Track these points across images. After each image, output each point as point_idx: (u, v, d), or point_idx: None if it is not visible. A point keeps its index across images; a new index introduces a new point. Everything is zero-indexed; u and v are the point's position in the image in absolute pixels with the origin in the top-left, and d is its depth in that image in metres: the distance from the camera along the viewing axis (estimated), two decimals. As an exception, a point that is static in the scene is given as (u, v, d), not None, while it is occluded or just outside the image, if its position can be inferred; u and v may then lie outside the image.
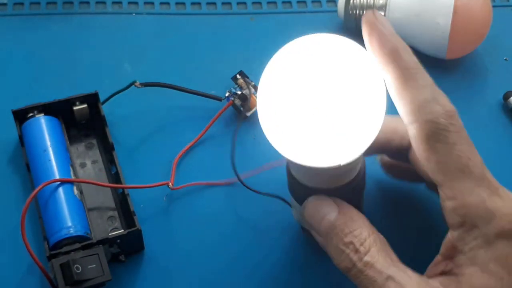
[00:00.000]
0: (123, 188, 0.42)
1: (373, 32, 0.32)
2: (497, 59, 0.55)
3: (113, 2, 0.56)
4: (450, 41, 0.50)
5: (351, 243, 0.33)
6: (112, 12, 0.56)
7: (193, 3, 0.57)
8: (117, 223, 0.42)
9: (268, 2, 0.57)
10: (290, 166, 0.37)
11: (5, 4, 0.55)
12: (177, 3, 0.57)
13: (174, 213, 0.44)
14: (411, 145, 0.34)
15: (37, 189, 0.39)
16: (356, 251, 0.33)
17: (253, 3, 0.57)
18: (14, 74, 0.51)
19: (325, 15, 0.57)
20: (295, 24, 0.51)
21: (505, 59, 0.55)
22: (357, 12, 0.53)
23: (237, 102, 0.48)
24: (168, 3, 0.57)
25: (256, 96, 0.46)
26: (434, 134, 0.32)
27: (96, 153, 0.46)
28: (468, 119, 0.51)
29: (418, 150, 0.33)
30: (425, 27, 0.51)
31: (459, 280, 0.33)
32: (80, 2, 0.56)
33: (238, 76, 0.49)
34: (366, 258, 0.33)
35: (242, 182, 0.41)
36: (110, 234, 0.40)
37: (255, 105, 0.48)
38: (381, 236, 0.34)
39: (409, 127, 0.33)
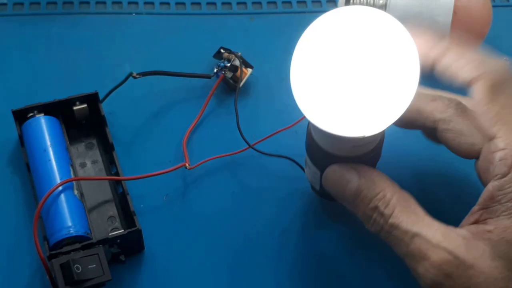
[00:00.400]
0: (124, 182, 0.42)
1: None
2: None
3: (113, 2, 0.56)
4: (450, 41, 0.50)
5: (376, 207, 0.35)
6: (112, 12, 0.56)
7: (193, 3, 0.57)
8: (117, 223, 0.42)
9: (268, 2, 0.57)
10: (313, 130, 0.38)
11: (5, 4, 0.55)
12: (177, 3, 0.57)
13: (175, 213, 0.44)
14: (435, 125, 0.37)
15: (51, 189, 0.39)
16: (382, 214, 0.35)
17: (253, 3, 0.57)
18: (14, 74, 0.51)
19: (325, 15, 0.57)
20: (295, 24, 0.51)
21: (505, 59, 0.55)
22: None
23: (228, 74, 0.48)
24: (168, 3, 0.57)
25: (242, 67, 0.48)
26: (497, 85, 0.34)
27: (96, 153, 0.46)
28: (468, 119, 0.51)
29: (480, 104, 0.35)
30: (425, 27, 0.51)
31: (489, 229, 0.33)
32: (80, 2, 0.56)
33: (222, 50, 0.50)
34: (391, 220, 0.34)
35: (253, 148, 0.45)
36: (110, 234, 0.40)
37: (245, 75, 0.49)
38: (404, 192, 0.36)
39: (472, 84, 0.35)
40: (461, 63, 0.36)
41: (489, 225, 0.34)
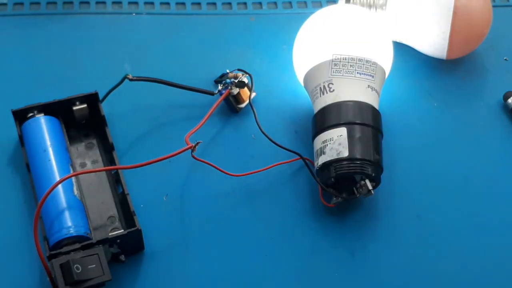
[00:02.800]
0: (124, 182, 0.42)
1: None
2: (497, 59, 0.55)
3: (113, 2, 0.56)
4: (450, 41, 0.50)
5: None
6: (112, 12, 0.56)
7: (193, 3, 0.57)
8: (117, 223, 0.42)
9: (268, 2, 0.57)
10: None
11: (5, 4, 0.55)
12: (177, 3, 0.57)
13: (175, 213, 0.44)
14: None
15: (51, 188, 0.39)
16: None
17: (253, 3, 0.57)
18: (14, 74, 0.51)
19: (325, 15, 0.57)
20: (295, 24, 0.51)
21: (505, 59, 0.55)
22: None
23: (234, 91, 0.48)
24: (168, 3, 0.57)
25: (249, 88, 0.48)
26: None
27: (96, 153, 0.46)
28: (468, 119, 0.51)
29: None
30: (425, 27, 0.51)
31: None
32: (80, 2, 0.56)
33: (227, 71, 0.49)
34: None
35: (263, 133, 0.45)
36: (110, 234, 0.40)
37: (247, 96, 0.49)
38: None
39: None
40: None
41: None
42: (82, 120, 0.46)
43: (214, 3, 0.57)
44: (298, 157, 0.45)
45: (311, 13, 0.49)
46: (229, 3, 0.57)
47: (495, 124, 0.51)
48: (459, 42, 0.51)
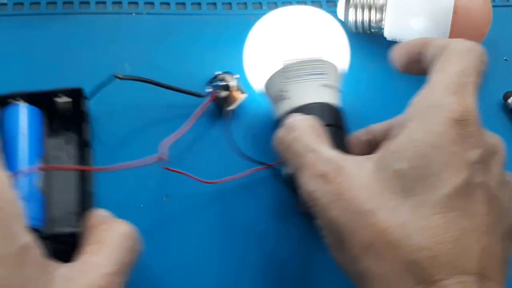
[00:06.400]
0: (92, 180, 0.42)
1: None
2: (497, 59, 0.55)
3: (113, 2, 0.56)
4: (450, 41, 0.50)
5: (289, 123, 0.39)
6: (112, 12, 0.56)
7: (193, 3, 0.57)
8: (75, 222, 0.41)
9: (268, 2, 0.58)
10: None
11: (5, 4, 0.55)
12: (177, 3, 0.57)
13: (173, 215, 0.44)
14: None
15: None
16: (291, 129, 0.38)
17: (253, 3, 0.57)
18: (14, 74, 0.50)
19: (325, 15, 0.57)
20: (295, 24, 0.51)
21: (505, 59, 0.55)
22: (357, 12, 0.54)
23: (222, 94, 0.48)
24: (168, 3, 0.57)
25: (239, 90, 0.48)
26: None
27: (74, 148, 0.45)
28: (468, 119, 0.51)
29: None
30: (425, 27, 0.51)
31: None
32: (80, 2, 0.56)
33: (217, 72, 0.49)
34: (297, 134, 0.38)
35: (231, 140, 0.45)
36: (56, 229, 0.40)
37: (238, 99, 0.48)
38: (323, 130, 0.39)
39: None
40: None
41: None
42: (66, 114, 0.45)
43: (214, 3, 0.57)
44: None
45: (311, 13, 0.49)
46: (229, 3, 0.57)
47: (495, 124, 0.51)
48: (459, 42, 0.51)
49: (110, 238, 0.35)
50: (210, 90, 0.48)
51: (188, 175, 0.43)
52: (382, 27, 0.53)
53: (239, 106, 0.49)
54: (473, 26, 0.51)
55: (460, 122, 0.33)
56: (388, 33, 0.54)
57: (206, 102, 0.47)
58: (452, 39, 0.38)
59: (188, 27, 0.55)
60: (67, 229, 0.40)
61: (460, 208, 0.31)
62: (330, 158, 0.35)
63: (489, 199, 0.33)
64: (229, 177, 0.44)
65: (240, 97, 0.48)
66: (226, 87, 0.48)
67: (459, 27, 0.50)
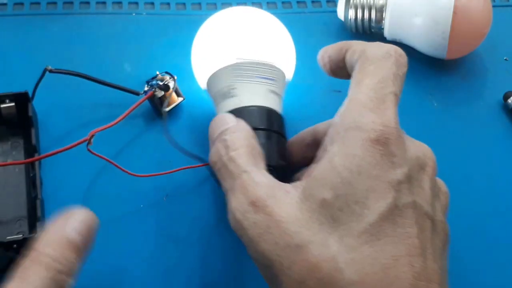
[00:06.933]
0: (39, 186, 0.41)
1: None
2: (497, 59, 0.55)
3: (113, 2, 0.56)
4: (450, 41, 0.50)
5: (225, 140, 0.37)
6: (112, 12, 0.56)
7: (193, 4, 0.57)
8: (25, 228, 0.41)
9: (268, 2, 0.58)
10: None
11: (5, 4, 0.55)
12: (177, 3, 0.57)
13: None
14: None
15: None
16: (227, 147, 0.36)
17: (253, 3, 0.57)
18: (13, 74, 0.51)
19: (325, 15, 0.57)
20: (295, 24, 0.51)
21: (505, 59, 0.55)
22: (357, 12, 0.54)
23: (158, 93, 0.47)
24: (168, 3, 0.57)
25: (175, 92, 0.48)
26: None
27: (20, 153, 0.44)
28: (468, 119, 0.51)
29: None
30: (425, 27, 0.51)
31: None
32: (80, 2, 0.56)
33: (157, 72, 0.49)
34: (232, 154, 0.36)
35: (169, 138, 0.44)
36: (7, 237, 0.38)
37: (174, 102, 0.48)
38: (259, 148, 0.37)
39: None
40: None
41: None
42: (11, 119, 0.45)
43: (214, 3, 0.57)
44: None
45: (311, 12, 0.49)
46: (229, 3, 0.57)
47: (495, 124, 0.51)
48: (459, 42, 0.51)
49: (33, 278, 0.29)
50: (146, 89, 0.48)
51: (114, 164, 0.42)
52: (382, 27, 0.53)
53: (177, 109, 0.48)
54: (473, 26, 0.51)
55: (380, 142, 0.31)
56: (388, 33, 0.54)
57: (141, 99, 0.46)
58: (369, 43, 0.36)
59: (188, 27, 0.55)
60: (15, 237, 0.38)
61: (389, 234, 0.30)
62: (262, 183, 0.34)
63: (420, 218, 0.31)
64: (163, 172, 0.44)
65: (177, 99, 0.48)
66: (166, 87, 0.47)
67: (459, 27, 0.50)
